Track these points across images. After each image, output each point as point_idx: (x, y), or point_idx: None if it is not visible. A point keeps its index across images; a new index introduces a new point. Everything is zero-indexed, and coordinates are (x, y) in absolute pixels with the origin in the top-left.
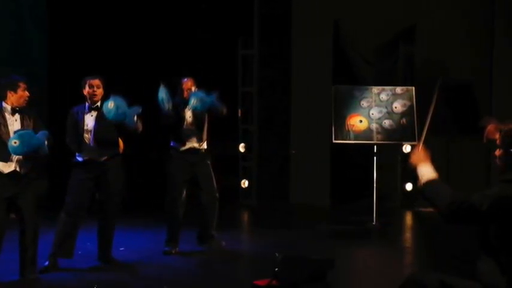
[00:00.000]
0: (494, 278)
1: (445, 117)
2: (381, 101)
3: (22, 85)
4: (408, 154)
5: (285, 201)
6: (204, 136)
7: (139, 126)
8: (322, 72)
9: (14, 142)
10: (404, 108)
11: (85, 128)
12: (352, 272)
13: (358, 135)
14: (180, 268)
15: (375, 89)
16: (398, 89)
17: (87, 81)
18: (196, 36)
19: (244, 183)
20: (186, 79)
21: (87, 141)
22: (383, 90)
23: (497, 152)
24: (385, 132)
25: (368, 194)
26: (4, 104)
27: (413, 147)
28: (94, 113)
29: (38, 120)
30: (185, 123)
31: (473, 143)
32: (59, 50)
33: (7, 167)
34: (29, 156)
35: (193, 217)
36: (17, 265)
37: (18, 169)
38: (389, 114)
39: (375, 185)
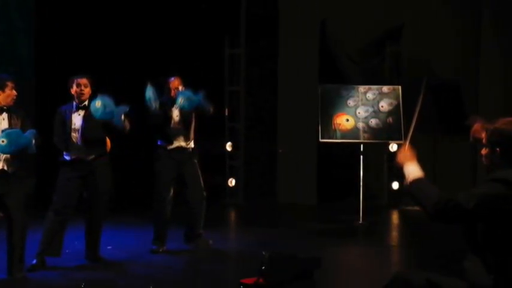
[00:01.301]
0: (480, 276)
1: (432, 117)
2: (367, 100)
3: (10, 84)
4: (395, 153)
5: (272, 200)
6: (191, 135)
7: (127, 125)
8: (309, 71)
9: (1, 141)
10: (391, 107)
11: (73, 127)
12: (338, 271)
13: (345, 134)
14: (167, 267)
15: (362, 88)
16: (385, 88)
17: (75, 81)
18: (183, 36)
19: (231, 182)
20: (173, 78)
21: (74, 140)
22: (369, 89)
23: (484, 151)
24: (372, 131)
25: (354, 193)
26: None
27: (399, 146)
28: (82, 112)
29: (25, 119)
30: (172, 122)
31: (459, 142)
32: (46, 49)
33: None
34: (17, 155)
35: (181, 216)
36: (4, 264)
37: (5, 168)
38: (376, 113)
39: (361, 184)
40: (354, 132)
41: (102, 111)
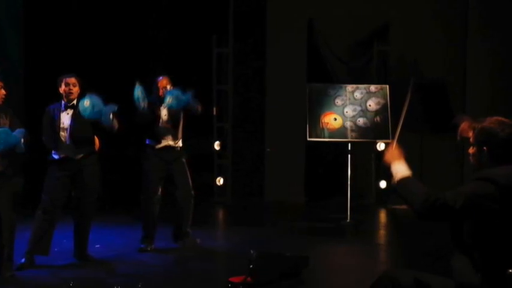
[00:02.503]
0: (467, 275)
1: (419, 115)
2: (355, 99)
3: None
4: (382, 152)
5: (260, 199)
6: (180, 134)
7: (115, 124)
8: (297, 70)
9: None
10: (379, 107)
11: (61, 126)
12: (326, 269)
13: (333, 133)
14: (155, 265)
15: (349, 87)
16: (373, 87)
17: (63, 80)
18: (171, 35)
19: (219, 181)
20: (161, 77)
21: (63, 139)
22: (357, 88)
23: (471, 150)
24: (360, 130)
25: (342, 192)
26: None
27: (387, 145)
28: (70, 111)
29: (14, 118)
30: (160, 121)
31: (447, 141)
32: (35, 49)
33: None
34: (5, 154)
35: (169, 214)
36: None
37: None
38: (364, 112)
39: (349, 183)
40: (341, 131)
41: (91, 110)
